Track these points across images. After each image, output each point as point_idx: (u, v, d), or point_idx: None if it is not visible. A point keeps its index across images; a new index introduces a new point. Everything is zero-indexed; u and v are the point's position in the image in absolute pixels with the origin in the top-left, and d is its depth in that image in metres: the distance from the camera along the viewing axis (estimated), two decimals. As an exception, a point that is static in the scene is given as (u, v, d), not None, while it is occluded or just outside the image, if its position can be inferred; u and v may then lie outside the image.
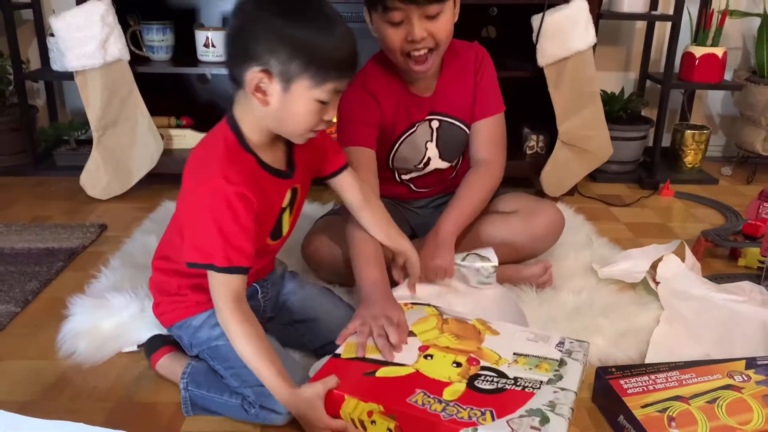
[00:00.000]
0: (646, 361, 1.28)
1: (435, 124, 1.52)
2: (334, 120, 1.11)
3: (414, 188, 1.63)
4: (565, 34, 2.04)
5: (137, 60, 2.18)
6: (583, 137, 2.18)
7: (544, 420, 1.01)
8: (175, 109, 2.34)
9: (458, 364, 1.13)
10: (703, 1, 2.47)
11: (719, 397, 1.10)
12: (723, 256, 1.80)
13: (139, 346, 1.31)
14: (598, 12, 2.15)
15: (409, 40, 1.32)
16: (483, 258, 1.44)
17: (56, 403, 1.17)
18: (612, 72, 2.66)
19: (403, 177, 1.60)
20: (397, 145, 1.52)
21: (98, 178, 2.14)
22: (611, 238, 1.86)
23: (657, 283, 1.51)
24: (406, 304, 1.30)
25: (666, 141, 2.53)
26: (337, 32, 1.00)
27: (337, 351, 1.15)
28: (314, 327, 1.28)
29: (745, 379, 1.15)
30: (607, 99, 2.40)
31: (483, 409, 1.02)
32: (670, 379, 1.14)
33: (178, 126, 2.30)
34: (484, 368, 1.13)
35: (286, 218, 1.19)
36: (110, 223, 1.96)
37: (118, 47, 2.04)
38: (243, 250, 1.04)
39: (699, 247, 1.77)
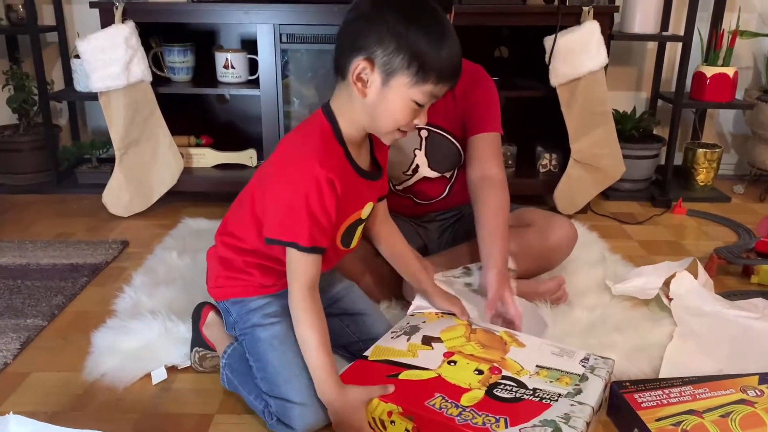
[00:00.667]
0: (660, 376, 1.30)
1: (424, 134, 1.57)
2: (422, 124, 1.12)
3: (415, 200, 1.66)
4: (577, 55, 2.08)
5: (159, 81, 2.24)
6: (596, 156, 2.21)
7: (557, 431, 1.02)
8: (195, 128, 2.40)
9: (480, 372, 1.15)
10: (713, 22, 2.51)
11: (733, 411, 1.12)
12: (736, 273, 1.82)
13: (168, 369, 1.32)
14: (609, 33, 2.19)
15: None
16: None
17: (84, 414, 1.21)
18: (624, 91, 2.69)
19: (397, 187, 1.64)
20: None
21: (120, 195, 2.19)
22: (624, 255, 1.88)
23: (670, 300, 1.53)
24: (437, 314, 1.33)
25: (678, 159, 2.55)
26: (446, 38, 1.03)
27: (366, 353, 1.19)
28: (361, 321, 1.32)
29: (759, 393, 1.17)
30: (619, 118, 2.43)
31: (498, 417, 1.04)
32: (683, 394, 1.16)
33: (198, 145, 2.36)
34: (505, 377, 1.14)
35: (359, 231, 1.23)
36: (132, 239, 2.01)
37: (141, 69, 2.10)
38: (326, 233, 1.08)
39: (712, 264, 1.79)
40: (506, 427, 1.02)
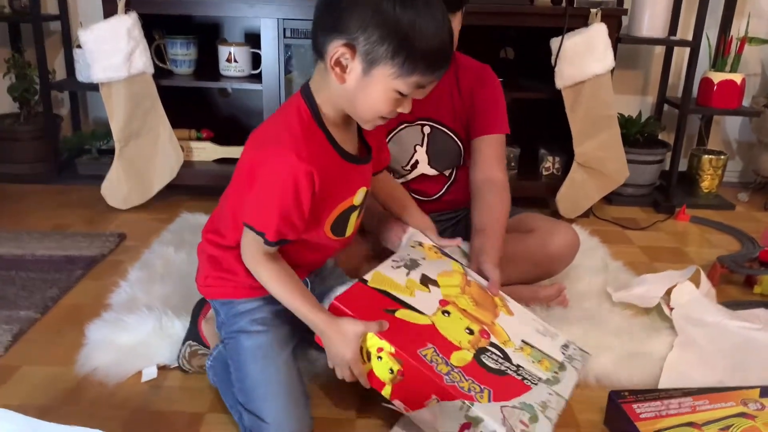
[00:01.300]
0: (659, 386, 1.28)
1: (427, 130, 1.55)
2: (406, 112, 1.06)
3: (414, 196, 1.63)
4: (583, 58, 2.06)
5: (161, 73, 2.22)
6: (600, 159, 2.19)
7: (534, 418, 1.02)
8: (196, 121, 2.38)
9: (471, 332, 1.14)
10: (722, 28, 2.48)
11: (733, 424, 1.10)
12: (738, 282, 1.80)
13: (159, 369, 1.31)
14: (617, 36, 2.17)
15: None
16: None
17: (74, 409, 1.19)
18: (629, 95, 2.67)
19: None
20: (387, 142, 1.53)
21: (119, 188, 2.17)
22: (626, 262, 1.86)
23: (671, 309, 1.51)
24: (436, 251, 1.30)
25: (683, 165, 2.53)
26: (437, 27, 0.95)
27: (365, 277, 1.14)
28: None
29: (759, 407, 1.15)
30: (624, 122, 2.41)
31: (482, 387, 1.04)
32: (683, 405, 1.14)
33: (199, 139, 2.34)
34: (492, 345, 1.14)
35: (353, 219, 1.17)
36: (129, 233, 1.99)
37: (143, 60, 2.08)
38: (295, 227, 1.05)
39: (714, 273, 1.77)
40: (489, 401, 1.02)
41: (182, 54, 2.24)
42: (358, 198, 1.15)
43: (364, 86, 0.98)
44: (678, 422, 1.10)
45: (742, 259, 1.81)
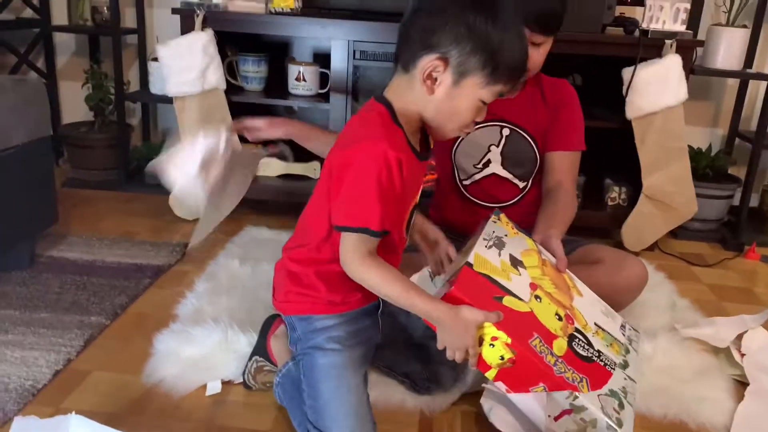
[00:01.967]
0: (731, 437, 1.24)
1: (506, 132, 1.60)
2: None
3: (482, 203, 1.64)
4: (656, 89, 2.02)
5: (232, 89, 2.27)
6: (668, 193, 2.13)
7: (621, 405, 1.08)
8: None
9: (559, 318, 1.15)
10: (801, 62, 2.41)
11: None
12: (813, 329, 1.73)
13: (223, 383, 1.33)
14: (690, 67, 2.12)
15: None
16: None
17: (141, 419, 1.22)
18: (699, 127, 2.60)
19: (465, 182, 1.65)
20: (459, 140, 1.61)
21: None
22: (693, 300, 1.81)
23: (742, 355, 1.45)
24: (513, 226, 1.30)
25: (754, 201, 2.45)
26: (518, 39, 1.03)
27: (469, 260, 1.12)
28: (427, 349, 1.28)
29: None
30: (694, 155, 2.35)
31: (581, 376, 1.07)
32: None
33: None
34: (577, 330, 1.16)
35: (413, 218, 1.19)
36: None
37: (216, 76, 2.14)
38: (392, 217, 1.05)
39: (788, 317, 1.70)
40: (588, 390, 1.06)
41: (253, 71, 2.29)
42: (419, 196, 1.18)
43: (452, 96, 1.04)
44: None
45: (818, 305, 1.74)
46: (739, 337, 1.51)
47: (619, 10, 2.19)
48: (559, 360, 1.07)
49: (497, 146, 1.61)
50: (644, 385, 1.35)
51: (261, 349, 1.31)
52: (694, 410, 1.31)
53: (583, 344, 1.13)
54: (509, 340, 1.04)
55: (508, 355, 1.05)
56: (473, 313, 1.03)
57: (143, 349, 1.41)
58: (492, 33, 0.99)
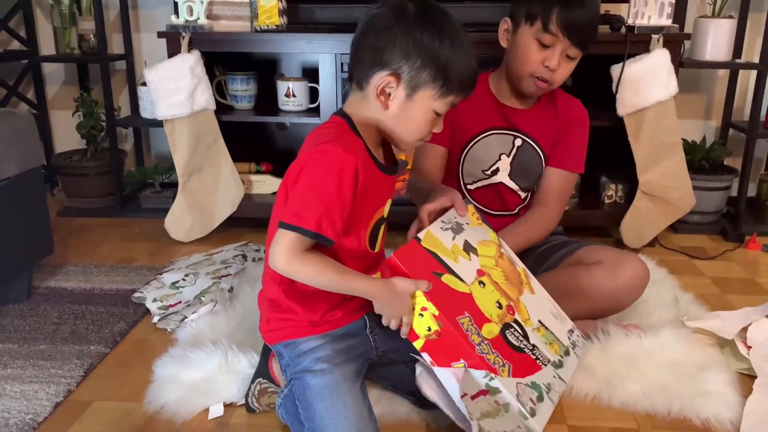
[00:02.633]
0: None
1: (518, 142, 1.61)
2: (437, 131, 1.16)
3: (485, 209, 1.65)
4: (645, 84, 2.02)
5: (222, 108, 2.27)
6: (665, 188, 2.12)
7: (540, 398, 1.14)
8: (255, 155, 2.42)
9: (500, 306, 1.21)
10: (790, 49, 2.40)
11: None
12: (819, 316, 1.71)
13: (225, 406, 1.31)
14: (679, 60, 2.12)
15: (546, 65, 1.47)
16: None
17: (144, 448, 1.21)
18: (692, 120, 2.60)
19: (469, 186, 1.65)
20: (471, 143, 1.61)
21: (182, 221, 2.22)
22: (697, 294, 1.79)
23: (749, 348, 1.43)
24: (478, 218, 1.35)
25: (751, 191, 2.43)
26: (468, 50, 1.07)
27: (419, 235, 1.19)
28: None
29: None
30: (689, 148, 2.34)
31: (504, 361, 1.14)
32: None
33: (258, 172, 2.38)
34: (515, 321, 1.22)
35: (381, 231, 1.20)
36: (192, 265, 2.02)
37: (205, 97, 2.13)
38: (335, 225, 1.03)
39: (792, 306, 1.68)
40: (508, 375, 1.12)
41: (242, 90, 2.29)
42: (386, 209, 1.19)
43: (406, 109, 1.07)
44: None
45: (822, 292, 1.73)
46: (745, 329, 1.49)
47: (605, 7, 2.19)
48: (485, 342, 1.13)
49: (508, 156, 1.61)
50: (647, 382, 1.35)
51: (263, 372, 1.30)
52: (698, 405, 1.29)
53: (517, 335, 1.19)
54: (437, 313, 1.10)
55: (434, 327, 1.11)
56: (404, 282, 1.09)
57: (143, 376, 1.40)
58: (439, 47, 1.03)
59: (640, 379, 1.36)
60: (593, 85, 2.26)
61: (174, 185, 2.25)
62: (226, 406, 1.31)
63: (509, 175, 1.62)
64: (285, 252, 1.03)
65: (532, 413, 1.11)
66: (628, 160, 2.13)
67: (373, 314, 1.23)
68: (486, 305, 1.18)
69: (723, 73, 2.53)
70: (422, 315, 1.11)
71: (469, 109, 1.54)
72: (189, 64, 2.09)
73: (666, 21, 2.06)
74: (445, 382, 1.11)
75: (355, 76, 1.10)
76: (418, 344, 1.13)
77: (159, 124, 2.18)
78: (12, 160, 1.65)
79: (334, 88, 2.15)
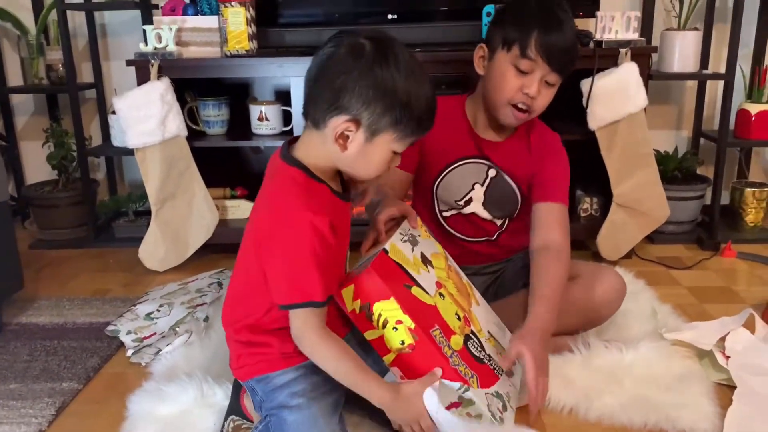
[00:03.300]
0: (723, 443, 1.22)
1: (492, 173, 1.56)
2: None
3: (459, 235, 1.62)
4: (615, 98, 2.04)
5: (194, 134, 2.25)
6: (639, 199, 2.14)
7: (504, 407, 1.18)
8: (230, 180, 2.40)
9: (459, 318, 1.22)
10: (755, 59, 2.44)
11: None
12: (796, 322, 1.72)
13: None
14: (648, 73, 2.14)
15: (525, 92, 1.41)
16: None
17: (118, 488, 1.17)
18: (664, 131, 2.62)
19: (444, 214, 1.61)
20: (445, 172, 1.56)
21: (156, 250, 2.19)
22: (675, 305, 1.79)
23: (727, 358, 1.43)
24: (426, 230, 1.35)
25: (724, 199, 2.46)
26: (427, 91, 1.04)
27: (386, 246, 1.17)
28: None
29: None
30: (661, 158, 2.36)
31: (473, 372, 1.15)
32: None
33: (233, 197, 2.36)
34: (473, 332, 1.23)
35: (347, 253, 1.20)
36: (167, 295, 1.99)
37: (176, 124, 2.11)
38: (334, 280, 1.06)
39: (769, 313, 1.69)
40: (477, 387, 1.14)
41: (214, 115, 2.27)
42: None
43: (365, 152, 1.05)
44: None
45: (797, 298, 1.74)
46: (723, 339, 1.49)
47: (572, 23, 2.20)
48: (455, 353, 1.14)
49: (482, 185, 1.56)
50: (624, 395, 1.35)
51: (235, 409, 1.27)
52: (674, 417, 1.28)
53: (476, 345, 1.21)
54: (413, 326, 1.09)
55: (408, 341, 1.10)
56: (412, 386, 1.10)
57: (118, 412, 1.36)
58: (400, 90, 1.00)
59: (617, 392, 1.35)
60: (564, 100, 2.27)
61: (149, 213, 2.22)
62: (202, 440, 1.28)
63: (483, 204, 1.58)
64: (311, 330, 1.06)
65: (501, 421, 1.14)
66: (601, 173, 2.14)
67: (347, 341, 1.22)
68: (449, 317, 1.18)
69: (692, 84, 2.56)
70: (396, 329, 1.10)
71: (444, 136, 1.47)
72: (159, 91, 2.07)
73: (633, 35, 2.09)
74: (426, 396, 1.11)
75: (310, 115, 1.06)
76: (388, 359, 1.13)
77: (131, 152, 2.15)
78: (-22, 196, 1.62)
79: (307, 110, 2.14)
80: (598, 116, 2.06)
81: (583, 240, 2.30)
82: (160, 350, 1.59)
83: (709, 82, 2.51)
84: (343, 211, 1.12)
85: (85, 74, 2.61)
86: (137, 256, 2.20)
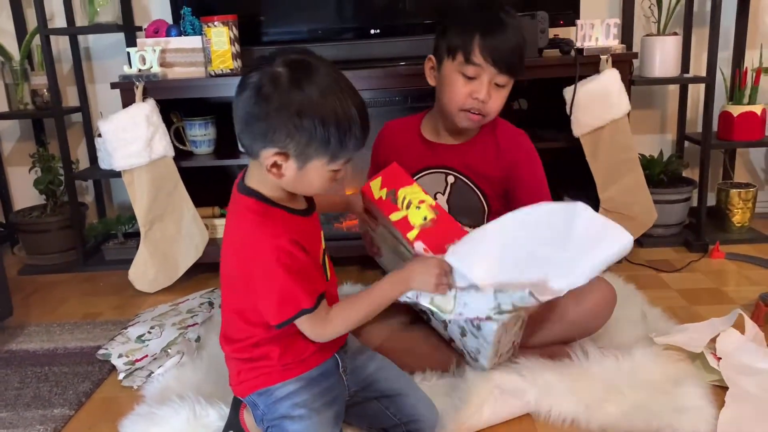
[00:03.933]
0: (717, 445, 1.22)
1: (450, 179, 1.55)
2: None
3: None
4: (598, 104, 2.05)
5: (181, 155, 2.25)
6: (626, 204, 2.15)
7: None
8: (219, 198, 2.39)
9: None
10: (735, 60, 2.47)
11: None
12: (785, 321, 1.73)
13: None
14: (629, 79, 2.16)
15: (474, 97, 1.42)
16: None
17: None
18: (648, 135, 2.65)
19: None
20: None
21: (146, 272, 2.18)
22: (665, 308, 1.80)
23: (718, 359, 1.44)
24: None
25: (711, 200, 2.48)
26: (351, 106, 1.01)
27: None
28: (400, 402, 1.24)
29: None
30: (647, 163, 2.38)
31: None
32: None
33: (222, 215, 2.35)
34: None
35: (327, 262, 1.20)
36: (159, 316, 1.98)
37: (162, 144, 2.12)
38: (314, 282, 1.08)
39: (759, 312, 1.70)
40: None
41: (201, 134, 2.28)
42: (323, 241, 1.20)
43: (301, 178, 1.05)
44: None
45: (786, 296, 1.75)
46: (713, 340, 1.50)
47: (553, 32, 2.23)
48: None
49: (443, 194, 1.56)
50: (625, 403, 1.34)
51: (234, 424, 1.27)
52: (676, 422, 1.28)
53: None
54: (433, 203, 1.24)
55: (430, 216, 1.23)
56: (419, 257, 1.19)
57: (111, 438, 1.36)
58: (322, 115, 0.99)
59: (617, 400, 1.35)
60: (548, 108, 2.30)
61: (138, 235, 2.21)
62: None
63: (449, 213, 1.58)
64: (316, 331, 1.10)
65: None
66: (588, 179, 2.15)
67: (343, 353, 1.22)
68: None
69: (674, 88, 2.59)
70: (419, 207, 1.24)
71: (398, 154, 1.48)
72: (144, 112, 2.08)
73: (613, 42, 2.11)
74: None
75: (244, 147, 1.06)
76: (412, 234, 1.23)
77: (119, 174, 2.15)
78: (-36, 224, 1.61)
79: (293, 127, 2.14)
80: (582, 123, 2.07)
81: (573, 246, 2.30)
82: (152, 372, 1.58)
83: (690, 86, 2.54)
84: (306, 226, 1.13)
85: (71, 98, 2.62)
86: (127, 279, 2.20)
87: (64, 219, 2.48)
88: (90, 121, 2.60)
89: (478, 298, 1.16)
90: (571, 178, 2.30)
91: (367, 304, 1.12)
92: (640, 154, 2.30)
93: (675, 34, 2.33)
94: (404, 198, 1.25)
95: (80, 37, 2.55)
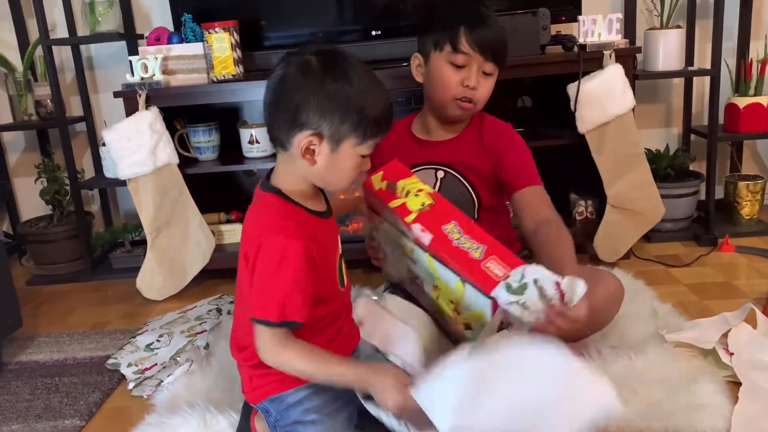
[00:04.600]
0: (731, 442, 1.21)
1: (440, 174, 1.57)
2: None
3: None
4: (602, 100, 2.04)
5: (186, 161, 2.25)
6: (633, 199, 2.14)
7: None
8: (224, 204, 2.40)
9: None
10: (740, 52, 2.45)
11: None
12: (797, 314, 1.71)
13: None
14: (633, 73, 2.15)
15: (465, 85, 1.47)
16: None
17: None
18: (654, 129, 2.63)
19: None
20: None
21: (153, 279, 2.18)
22: (675, 303, 1.79)
23: (731, 355, 1.43)
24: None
25: (719, 194, 2.45)
26: (380, 93, 1.08)
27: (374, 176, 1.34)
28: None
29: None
30: (653, 157, 2.36)
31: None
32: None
33: (228, 221, 2.35)
34: None
35: (343, 267, 1.21)
36: (167, 324, 1.98)
37: (167, 152, 2.12)
38: (298, 307, 1.05)
39: (770, 306, 1.68)
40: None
41: (205, 141, 2.28)
42: (340, 246, 1.20)
43: (334, 161, 1.08)
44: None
45: (797, 289, 1.73)
46: (725, 335, 1.48)
47: (555, 28, 2.22)
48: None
49: (433, 189, 1.54)
50: (641, 402, 1.32)
51: (245, 431, 1.27)
52: (693, 419, 1.27)
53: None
54: (432, 191, 1.29)
55: (428, 202, 1.27)
56: (392, 367, 1.11)
57: (122, 448, 1.36)
58: (353, 96, 1.04)
59: (633, 400, 1.33)
60: (552, 105, 2.29)
61: (145, 242, 2.21)
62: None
63: None
64: (264, 346, 1.07)
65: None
66: (595, 176, 2.14)
67: (356, 357, 1.22)
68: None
69: (678, 81, 2.57)
70: (417, 195, 1.27)
71: (390, 156, 1.46)
72: (148, 120, 2.08)
73: (616, 37, 2.10)
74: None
75: (276, 138, 1.10)
76: (409, 218, 1.25)
77: (124, 183, 2.15)
78: (-29, 237, 1.61)
79: (296, 131, 2.14)
80: (586, 119, 2.06)
81: (581, 243, 2.29)
82: (162, 381, 1.58)
83: (695, 79, 2.52)
84: (323, 228, 1.14)
85: (74, 108, 2.62)
86: (134, 287, 2.20)
87: (71, 228, 2.49)
88: (94, 131, 2.61)
89: None
90: (577, 175, 2.29)
91: (326, 368, 1.07)
92: (646, 148, 2.29)
93: (678, 26, 2.31)
94: (403, 188, 1.29)
95: (82, 47, 2.55)
